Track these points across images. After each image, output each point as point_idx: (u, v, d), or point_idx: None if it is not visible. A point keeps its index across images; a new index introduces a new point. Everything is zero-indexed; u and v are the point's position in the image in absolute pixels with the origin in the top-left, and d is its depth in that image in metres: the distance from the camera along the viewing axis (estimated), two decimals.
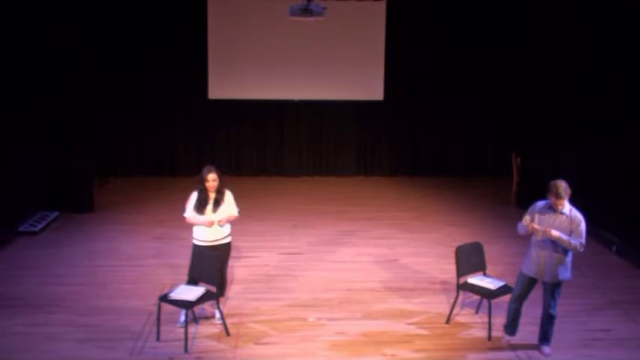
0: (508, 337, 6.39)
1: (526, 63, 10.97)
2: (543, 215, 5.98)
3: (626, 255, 8.72)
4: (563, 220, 5.92)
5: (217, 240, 6.61)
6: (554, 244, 5.93)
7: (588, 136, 10.01)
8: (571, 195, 5.91)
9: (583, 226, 5.91)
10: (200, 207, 6.55)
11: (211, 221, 6.51)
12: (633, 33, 8.87)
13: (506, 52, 12.59)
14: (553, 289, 6.06)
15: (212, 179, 6.52)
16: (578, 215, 5.94)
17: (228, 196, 6.68)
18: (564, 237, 5.84)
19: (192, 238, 6.69)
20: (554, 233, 5.82)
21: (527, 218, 5.96)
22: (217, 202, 6.57)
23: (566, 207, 5.94)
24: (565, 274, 6.04)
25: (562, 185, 5.87)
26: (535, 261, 6.04)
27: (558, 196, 5.85)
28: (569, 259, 6.02)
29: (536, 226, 5.89)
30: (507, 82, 12.69)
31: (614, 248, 8.98)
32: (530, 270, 6.09)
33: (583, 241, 5.90)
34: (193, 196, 6.63)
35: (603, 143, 9.61)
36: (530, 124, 11.07)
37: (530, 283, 6.15)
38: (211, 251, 6.53)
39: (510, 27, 12.40)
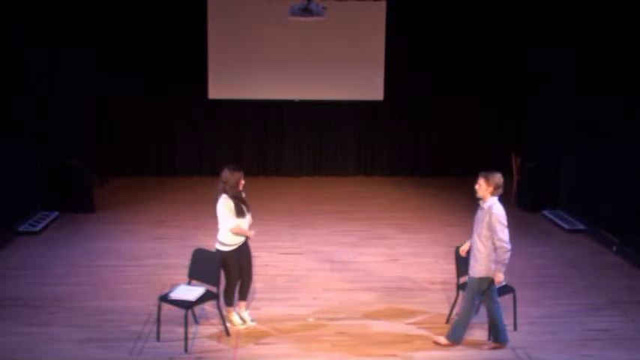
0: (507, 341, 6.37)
1: (526, 63, 11.00)
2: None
3: (626, 255, 8.72)
4: (481, 213, 5.95)
5: (243, 241, 6.47)
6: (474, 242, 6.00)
7: (588, 136, 10.01)
8: (497, 190, 5.85)
9: (495, 219, 5.82)
10: (241, 212, 6.30)
11: (252, 233, 6.45)
12: (634, 33, 8.87)
13: (506, 52, 12.61)
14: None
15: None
16: (494, 210, 5.85)
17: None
18: (496, 266, 5.88)
19: (218, 243, 6.39)
20: (500, 278, 5.90)
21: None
22: (246, 202, 6.42)
23: (488, 202, 5.89)
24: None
25: (489, 173, 5.89)
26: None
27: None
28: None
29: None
30: (507, 82, 12.71)
31: (614, 248, 8.98)
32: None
33: (501, 239, 5.82)
34: (229, 204, 6.26)
35: (603, 143, 9.61)
36: (530, 124, 11.08)
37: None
38: (244, 254, 6.45)
39: (510, 27, 12.40)
